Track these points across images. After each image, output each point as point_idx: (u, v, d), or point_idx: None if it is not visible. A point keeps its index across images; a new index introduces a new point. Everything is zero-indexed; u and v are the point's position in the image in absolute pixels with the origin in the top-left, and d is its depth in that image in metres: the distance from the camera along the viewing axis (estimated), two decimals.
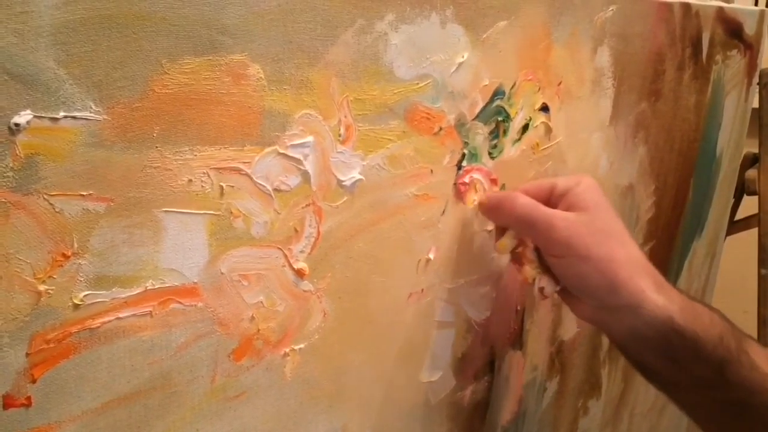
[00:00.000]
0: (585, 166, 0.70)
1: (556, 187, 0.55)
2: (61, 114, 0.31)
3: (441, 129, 0.51)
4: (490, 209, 0.55)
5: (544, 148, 0.63)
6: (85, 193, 0.33)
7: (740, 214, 1.44)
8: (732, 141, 1.09)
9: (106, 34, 0.32)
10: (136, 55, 0.33)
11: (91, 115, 0.32)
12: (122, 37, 0.32)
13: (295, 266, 0.44)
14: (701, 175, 1.01)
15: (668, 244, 0.99)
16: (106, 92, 0.32)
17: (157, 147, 0.35)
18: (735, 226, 1.41)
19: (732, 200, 1.28)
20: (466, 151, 0.54)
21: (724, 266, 1.33)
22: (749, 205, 1.42)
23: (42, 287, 0.33)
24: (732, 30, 0.92)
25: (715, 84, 0.93)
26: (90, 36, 0.31)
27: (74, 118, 0.32)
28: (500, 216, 0.55)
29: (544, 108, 0.61)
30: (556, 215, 0.52)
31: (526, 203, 0.53)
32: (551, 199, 0.55)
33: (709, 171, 1.05)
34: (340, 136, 0.44)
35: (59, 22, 0.30)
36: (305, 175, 0.43)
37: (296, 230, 0.43)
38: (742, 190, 1.34)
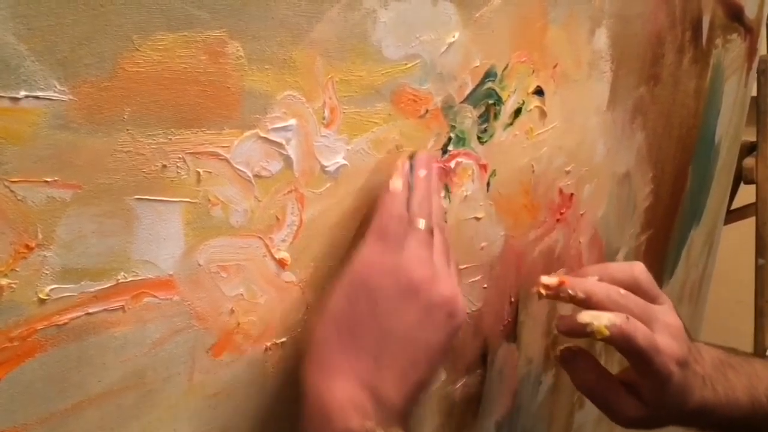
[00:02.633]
0: (581, 153, 0.69)
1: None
2: (22, 93, 0.29)
3: (427, 112, 0.49)
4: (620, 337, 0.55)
5: (539, 134, 0.61)
6: (49, 180, 0.31)
7: (735, 204, 1.43)
8: (731, 127, 1.08)
9: (71, 7, 0.30)
10: (104, 30, 0.31)
11: (56, 95, 0.30)
12: (89, 10, 0.30)
13: (277, 256, 0.42)
14: (700, 162, 1.00)
15: (666, 234, 0.98)
16: (71, 70, 0.31)
17: (128, 130, 0.33)
18: (731, 215, 1.40)
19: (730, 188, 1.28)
20: (452, 135, 0.52)
21: (718, 256, 1.33)
22: (743, 195, 1.41)
23: (4, 281, 0.31)
24: (733, 13, 0.91)
25: (714, 68, 0.92)
26: (53, 8, 0.29)
27: (37, 98, 0.30)
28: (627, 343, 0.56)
29: (539, 91, 0.59)
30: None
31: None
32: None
33: (708, 158, 1.04)
34: (324, 119, 0.42)
35: None
36: (287, 160, 0.41)
37: (278, 218, 0.42)
38: (738, 179, 1.34)
